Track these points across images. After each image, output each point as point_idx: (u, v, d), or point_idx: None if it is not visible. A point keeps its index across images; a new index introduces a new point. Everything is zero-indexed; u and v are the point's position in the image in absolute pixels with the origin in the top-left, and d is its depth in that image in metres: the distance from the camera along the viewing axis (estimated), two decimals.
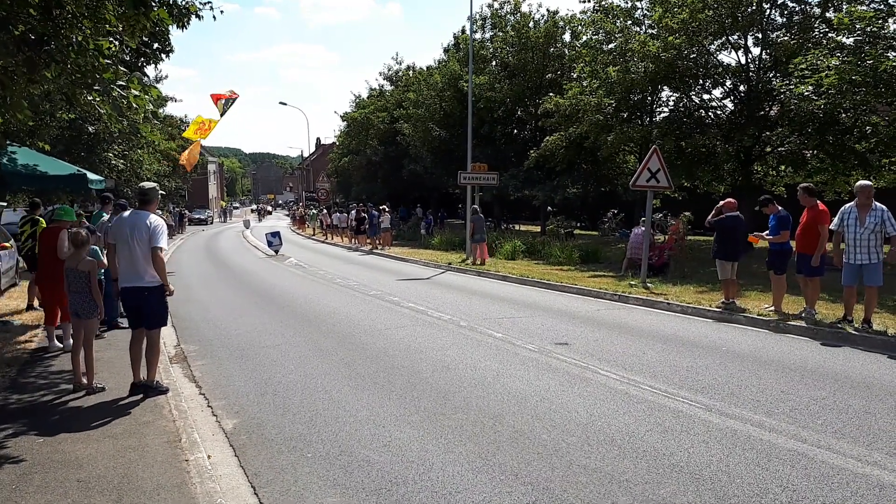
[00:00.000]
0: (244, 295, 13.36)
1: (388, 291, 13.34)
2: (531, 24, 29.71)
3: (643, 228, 15.65)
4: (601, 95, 20.60)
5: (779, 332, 8.90)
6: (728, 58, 19.91)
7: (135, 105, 6.61)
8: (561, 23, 29.18)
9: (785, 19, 18.31)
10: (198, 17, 7.64)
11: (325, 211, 39.85)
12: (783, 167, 19.93)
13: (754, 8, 17.96)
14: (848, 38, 14.32)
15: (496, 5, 31.77)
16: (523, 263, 18.88)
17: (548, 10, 33.56)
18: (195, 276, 17.16)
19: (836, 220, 8.64)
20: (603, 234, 27.08)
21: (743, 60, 19.16)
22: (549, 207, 29.41)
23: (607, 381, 6.46)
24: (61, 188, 12.74)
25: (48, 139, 15.45)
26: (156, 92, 7.11)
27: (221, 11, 7.99)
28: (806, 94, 14.30)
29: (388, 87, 47.09)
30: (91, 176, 11.78)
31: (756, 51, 19.03)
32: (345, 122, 49.49)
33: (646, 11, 21.02)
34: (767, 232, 9.95)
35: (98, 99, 6.86)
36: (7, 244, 12.81)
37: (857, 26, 13.43)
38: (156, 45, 8.48)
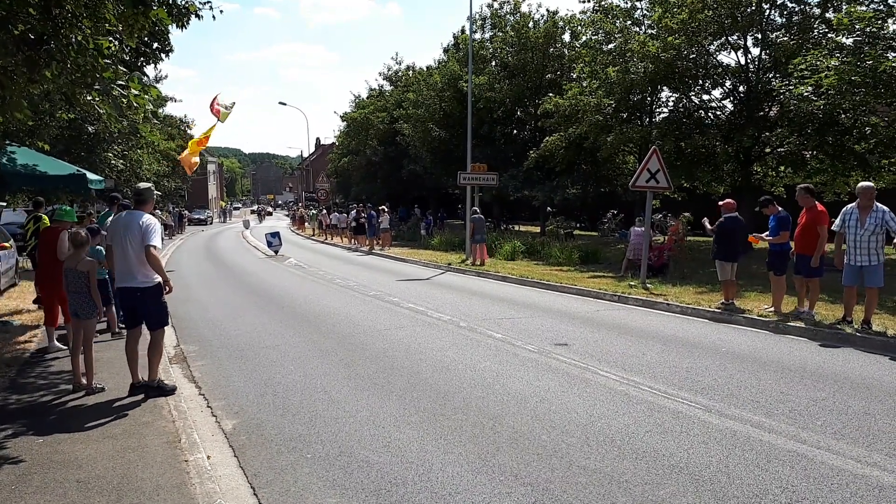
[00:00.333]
0: (244, 295, 13.35)
1: (387, 292, 13.33)
2: (531, 25, 29.71)
3: (641, 228, 15.68)
4: (601, 96, 20.60)
5: (778, 332, 8.90)
6: (727, 58, 19.94)
7: (135, 105, 6.60)
8: (561, 23, 29.18)
9: (784, 20, 18.31)
10: (197, 16, 7.64)
11: (324, 211, 39.83)
12: (783, 168, 19.93)
13: (754, 8, 17.96)
14: (847, 38, 14.32)
15: (496, 5, 31.79)
16: (523, 264, 18.88)
17: (547, 10, 33.68)
18: (195, 275, 17.16)
19: (837, 221, 8.63)
20: (603, 235, 27.08)
21: (742, 61, 19.17)
22: (549, 208, 29.40)
23: (607, 381, 6.46)
24: (61, 188, 12.73)
25: (48, 139, 15.44)
26: (155, 92, 7.11)
27: (221, 11, 7.98)
28: (805, 94, 14.31)
29: (387, 87, 47.08)
30: (91, 176, 11.77)
31: (755, 51, 19.05)
32: (344, 123, 49.48)
33: (645, 12, 21.03)
34: (767, 233, 9.95)
35: (98, 98, 6.85)
36: (7, 244, 12.80)
37: (857, 27, 13.44)
38: (155, 45, 8.49)
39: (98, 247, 7.81)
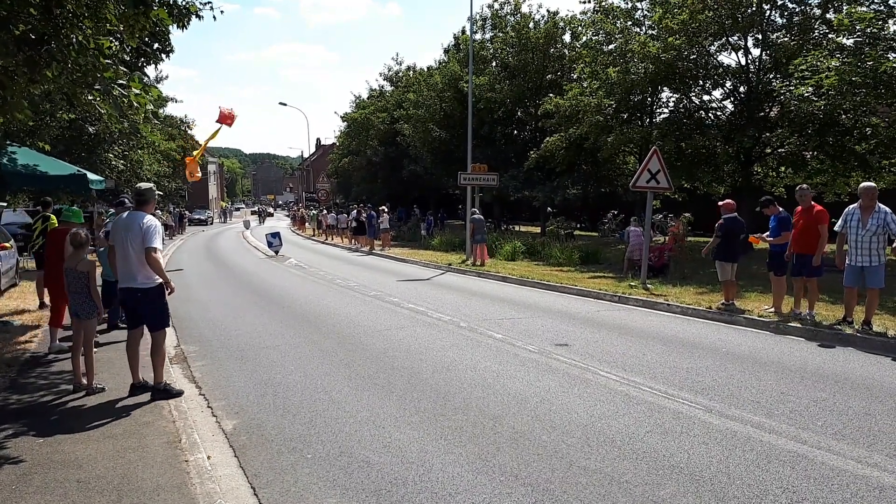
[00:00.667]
0: (244, 295, 13.35)
1: (388, 292, 13.34)
2: (531, 25, 29.73)
3: (638, 229, 15.70)
4: (601, 96, 20.61)
5: (779, 333, 8.90)
6: (728, 59, 19.95)
7: (135, 104, 6.60)
8: (561, 23, 29.21)
9: (785, 20, 18.32)
10: (198, 17, 7.65)
11: (324, 211, 39.84)
12: (783, 168, 19.94)
13: (754, 9, 17.96)
14: (848, 39, 14.33)
15: (496, 6, 31.82)
16: (523, 264, 18.88)
17: (548, 10, 33.69)
18: (195, 275, 17.16)
19: (839, 221, 8.62)
20: (603, 235, 27.08)
21: (743, 61, 19.18)
22: (549, 208, 29.41)
23: (607, 382, 6.46)
24: (61, 188, 12.74)
25: (48, 139, 15.46)
26: (156, 92, 7.10)
27: (222, 11, 8.00)
28: (806, 95, 14.32)
29: (388, 87, 47.13)
30: (91, 176, 11.78)
31: (756, 52, 19.06)
32: (345, 123, 49.52)
33: (646, 12, 21.03)
34: (768, 233, 9.95)
35: (98, 98, 6.86)
36: (7, 244, 12.81)
37: (858, 27, 13.44)
38: (156, 45, 8.49)
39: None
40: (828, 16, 17.01)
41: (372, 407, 5.73)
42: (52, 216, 10.73)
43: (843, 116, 15.66)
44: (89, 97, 6.81)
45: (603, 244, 22.97)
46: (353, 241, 29.06)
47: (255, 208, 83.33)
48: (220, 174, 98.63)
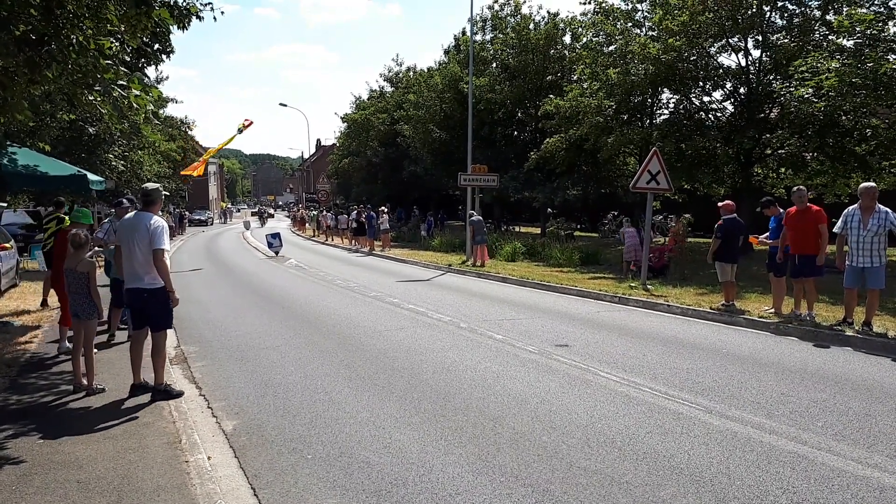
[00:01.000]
0: (244, 296, 13.35)
1: (388, 293, 13.33)
2: (531, 26, 29.74)
3: (631, 229, 15.71)
4: (601, 97, 20.62)
5: (779, 334, 8.90)
6: (728, 60, 19.98)
7: (135, 105, 6.61)
8: (561, 25, 29.21)
9: (785, 22, 18.34)
10: (198, 17, 7.67)
11: (324, 212, 39.82)
12: (783, 169, 19.96)
13: (754, 10, 17.99)
14: (848, 40, 14.35)
15: (496, 7, 31.83)
16: (523, 265, 18.88)
17: (548, 11, 33.62)
18: (195, 276, 17.15)
19: (839, 222, 8.61)
20: (603, 236, 27.10)
21: (743, 63, 19.20)
22: (550, 209, 29.41)
23: (607, 382, 6.46)
24: (62, 189, 12.74)
25: (48, 140, 15.46)
26: (157, 92, 7.11)
27: (222, 12, 8.02)
28: (806, 96, 14.32)
29: (388, 88, 47.13)
30: (91, 177, 11.79)
31: (756, 53, 19.08)
32: (345, 124, 49.53)
33: (646, 14, 21.06)
34: (766, 234, 9.94)
35: (99, 99, 6.86)
36: (7, 244, 12.81)
37: (858, 29, 13.46)
38: (157, 46, 8.50)
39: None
40: (828, 17, 17.04)
41: (372, 408, 5.73)
42: (66, 217, 10.71)
43: (844, 118, 15.67)
44: (90, 98, 6.81)
45: (603, 245, 22.97)
46: (353, 241, 29.06)
47: (256, 209, 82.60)
48: (221, 175, 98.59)
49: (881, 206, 8.31)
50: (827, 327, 8.68)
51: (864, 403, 5.75)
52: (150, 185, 6.24)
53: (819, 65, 13.83)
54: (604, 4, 21.39)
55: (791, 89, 15.07)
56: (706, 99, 20.75)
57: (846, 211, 8.58)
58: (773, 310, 9.75)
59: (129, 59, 7.80)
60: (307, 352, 8.00)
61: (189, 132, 46.72)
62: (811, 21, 17.60)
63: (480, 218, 19.22)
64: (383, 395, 6.13)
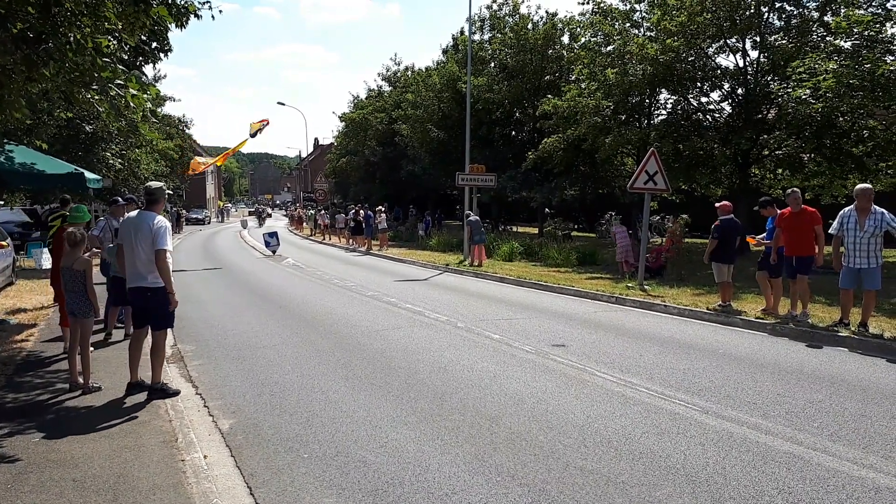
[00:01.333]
0: (241, 295, 13.34)
1: (385, 292, 13.33)
2: (530, 26, 29.72)
3: (621, 228, 15.73)
4: (599, 97, 20.63)
5: (775, 334, 8.91)
6: (726, 61, 20.00)
7: (132, 104, 6.59)
8: (559, 25, 29.21)
9: (783, 23, 18.37)
10: (197, 16, 7.64)
11: (322, 211, 39.77)
12: (781, 170, 19.99)
13: (752, 11, 18.01)
14: (846, 41, 14.37)
15: (495, 7, 31.84)
16: (521, 265, 18.89)
17: (546, 11, 33.56)
18: (192, 275, 17.13)
19: (835, 223, 8.62)
20: (600, 237, 27.13)
21: (741, 63, 19.23)
22: (547, 209, 29.42)
23: (604, 383, 6.46)
24: (59, 187, 12.72)
25: (46, 138, 15.41)
26: (154, 90, 7.09)
27: (220, 11, 7.99)
28: (803, 97, 14.34)
29: (386, 87, 47.08)
30: (89, 175, 11.75)
31: (754, 54, 19.11)
32: (343, 123, 49.44)
33: (644, 14, 21.07)
34: (764, 235, 9.96)
35: (96, 97, 6.85)
36: (4, 243, 12.79)
37: (855, 30, 13.48)
38: (154, 45, 8.48)
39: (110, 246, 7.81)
40: (825, 18, 17.07)
41: (369, 407, 5.73)
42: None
43: (841, 119, 15.70)
44: (87, 96, 6.80)
45: (600, 245, 22.98)
46: (350, 241, 29.06)
47: (253, 208, 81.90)
48: (218, 174, 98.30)
49: (877, 208, 8.32)
50: (823, 328, 8.70)
51: (860, 404, 5.76)
52: (154, 184, 6.21)
53: (817, 66, 13.85)
54: (602, 4, 21.39)
55: (789, 90, 15.09)
56: (704, 100, 20.78)
57: (842, 212, 8.59)
58: (769, 310, 9.76)
59: (126, 58, 7.77)
60: (304, 351, 8.00)
61: (187, 131, 46.58)
62: (809, 22, 17.63)
63: (478, 218, 19.23)
64: (380, 394, 6.13)
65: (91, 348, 6.41)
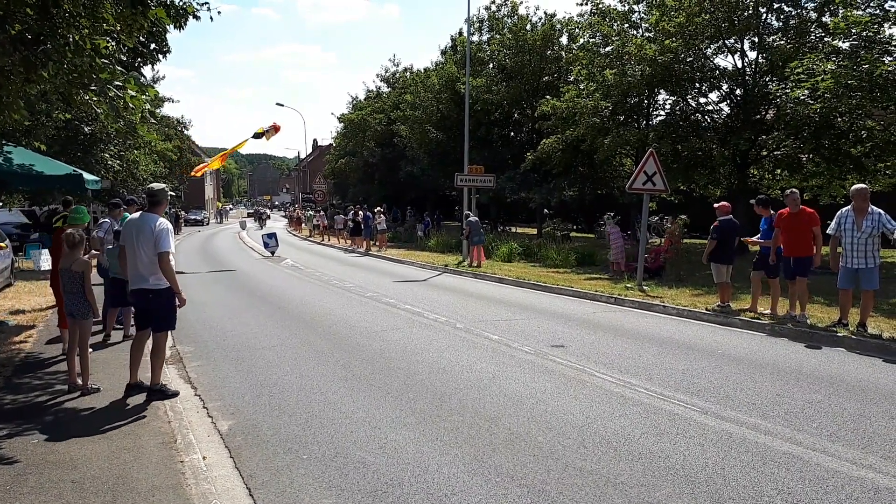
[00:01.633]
0: (240, 296, 13.33)
1: (384, 293, 13.33)
2: (528, 27, 29.74)
3: (615, 229, 15.73)
4: (598, 98, 20.65)
5: (774, 335, 8.92)
6: (724, 61, 20.04)
7: (131, 105, 6.59)
8: (558, 25, 29.22)
9: (781, 24, 18.40)
10: (195, 17, 7.64)
11: (321, 212, 39.76)
12: (779, 171, 20.02)
13: (751, 12, 18.04)
14: (844, 42, 14.38)
15: (493, 8, 31.86)
16: (520, 266, 18.89)
17: (545, 12, 33.53)
18: (191, 276, 17.11)
19: (833, 224, 8.64)
20: (599, 237, 27.11)
21: (739, 64, 19.26)
22: (546, 210, 29.43)
23: (603, 383, 6.47)
24: (57, 188, 12.71)
25: (44, 139, 15.41)
26: (153, 92, 7.08)
27: (219, 12, 8.00)
28: (802, 98, 14.36)
29: (385, 88, 47.09)
30: (87, 176, 11.76)
31: (752, 55, 19.14)
32: (342, 124, 49.45)
33: (643, 15, 21.11)
34: (759, 235, 9.97)
35: (95, 99, 6.85)
36: (2, 244, 12.77)
37: (853, 31, 13.49)
38: (153, 46, 8.48)
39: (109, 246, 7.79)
40: (824, 19, 17.09)
41: (368, 408, 5.73)
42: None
43: (839, 119, 15.73)
44: (85, 97, 6.80)
45: (599, 246, 22.97)
46: (349, 242, 29.05)
47: (252, 209, 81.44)
48: (217, 175, 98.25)
49: (874, 208, 8.34)
50: (822, 329, 8.71)
51: (859, 404, 5.77)
52: (156, 186, 6.20)
53: (815, 66, 13.87)
54: (600, 5, 21.43)
55: (787, 91, 15.12)
56: (702, 100, 20.82)
57: (839, 213, 8.60)
58: (768, 311, 9.77)
59: (125, 59, 7.78)
60: (303, 352, 7.99)
61: (185, 132, 46.58)
62: (807, 23, 17.65)
63: (477, 218, 19.24)
64: (379, 395, 6.13)
65: (90, 349, 6.40)
